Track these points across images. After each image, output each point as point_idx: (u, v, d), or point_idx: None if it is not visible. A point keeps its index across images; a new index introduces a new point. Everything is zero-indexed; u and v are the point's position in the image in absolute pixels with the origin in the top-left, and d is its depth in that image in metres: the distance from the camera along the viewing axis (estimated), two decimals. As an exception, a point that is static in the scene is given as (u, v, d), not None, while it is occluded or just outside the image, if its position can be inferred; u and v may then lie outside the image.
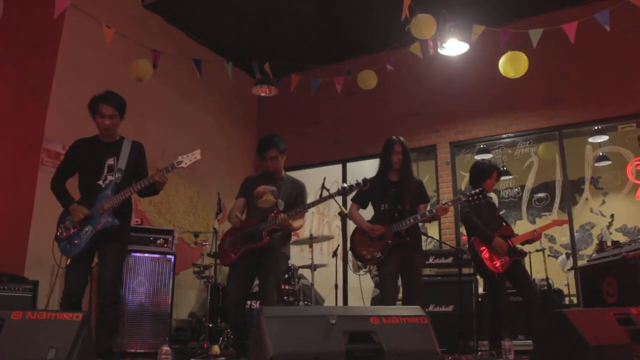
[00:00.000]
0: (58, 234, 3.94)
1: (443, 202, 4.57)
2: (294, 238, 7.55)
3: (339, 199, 7.59)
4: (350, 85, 6.70)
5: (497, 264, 4.75)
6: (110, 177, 3.96)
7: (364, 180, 4.27)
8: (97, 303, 3.91)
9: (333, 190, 4.41)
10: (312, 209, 9.01)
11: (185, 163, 3.97)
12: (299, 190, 4.56)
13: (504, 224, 5.13)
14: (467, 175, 7.97)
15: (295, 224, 4.43)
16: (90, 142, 4.07)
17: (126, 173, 4.00)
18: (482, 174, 5.09)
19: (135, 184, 3.93)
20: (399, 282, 4.61)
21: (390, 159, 4.65)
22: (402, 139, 4.70)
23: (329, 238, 6.76)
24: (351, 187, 4.27)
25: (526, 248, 5.39)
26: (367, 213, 4.83)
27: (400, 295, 4.63)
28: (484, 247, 4.85)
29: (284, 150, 4.50)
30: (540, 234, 5.12)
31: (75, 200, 3.96)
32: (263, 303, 4.25)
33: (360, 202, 4.80)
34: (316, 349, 2.56)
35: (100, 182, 3.95)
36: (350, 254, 7.16)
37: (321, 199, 4.43)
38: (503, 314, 4.81)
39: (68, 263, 3.93)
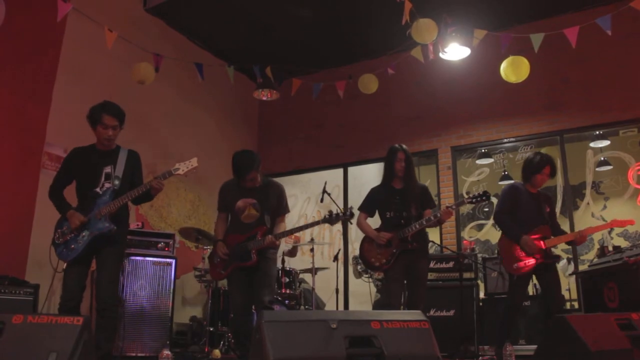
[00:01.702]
0: (55, 238, 3.96)
1: (447, 206, 4.54)
2: (294, 241, 7.57)
3: (340, 202, 7.62)
4: (352, 90, 6.70)
5: (517, 266, 4.61)
6: (107, 185, 3.99)
7: (351, 212, 4.31)
8: (96, 307, 3.92)
9: (334, 194, 4.42)
10: (314, 213, 9.04)
11: (182, 170, 4.01)
12: (279, 193, 4.57)
13: (546, 223, 4.81)
14: (468, 179, 8.06)
15: (281, 227, 4.51)
16: (87, 151, 4.10)
17: (123, 180, 4.03)
18: (532, 168, 4.85)
19: (132, 191, 3.95)
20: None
21: (393, 167, 4.69)
22: (404, 146, 4.72)
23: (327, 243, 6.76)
24: (337, 216, 4.30)
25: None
26: (375, 221, 4.84)
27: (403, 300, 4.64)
28: (507, 248, 4.72)
29: (260, 166, 4.45)
30: (585, 235, 4.76)
31: (73, 207, 3.98)
32: (257, 307, 4.30)
33: (367, 210, 4.85)
34: (317, 354, 2.56)
35: (98, 190, 3.97)
36: (351, 258, 7.19)
37: (308, 225, 4.49)
38: (513, 316, 4.71)
39: (65, 267, 3.94)
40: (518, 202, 4.81)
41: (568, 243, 4.93)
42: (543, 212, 4.85)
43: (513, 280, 4.73)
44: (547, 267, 4.69)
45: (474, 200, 4.51)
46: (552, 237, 4.77)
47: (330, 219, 4.32)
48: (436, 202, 7.88)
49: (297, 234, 8.92)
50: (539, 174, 4.82)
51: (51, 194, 4.06)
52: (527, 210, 4.80)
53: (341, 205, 6.87)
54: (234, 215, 4.51)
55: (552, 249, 4.79)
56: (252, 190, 4.45)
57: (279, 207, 4.54)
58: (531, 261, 4.62)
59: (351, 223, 4.74)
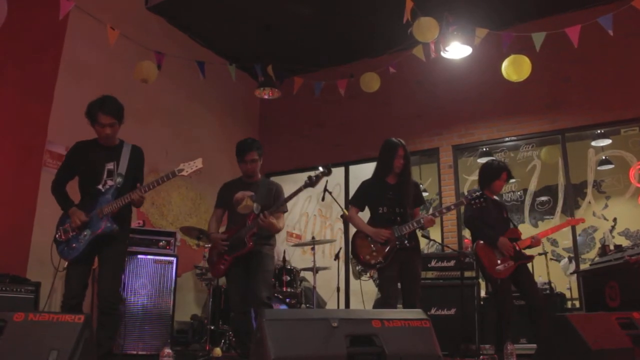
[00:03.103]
0: (57, 236, 3.92)
1: (430, 213, 4.53)
2: (295, 240, 7.58)
3: (341, 200, 7.62)
4: (353, 88, 6.70)
5: (500, 269, 4.66)
6: (110, 182, 3.94)
7: (329, 169, 4.33)
8: (97, 305, 3.91)
9: (335, 192, 4.43)
10: (314, 212, 9.04)
11: (187, 171, 3.97)
12: (276, 191, 4.63)
13: (512, 226, 5.00)
14: (470, 178, 8.05)
15: (280, 223, 4.54)
16: (89, 146, 4.04)
17: (126, 177, 3.98)
18: (491, 174, 4.97)
19: (122, 198, 3.86)
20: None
21: (392, 162, 4.51)
22: (402, 141, 4.57)
23: (330, 241, 6.76)
24: (317, 177, 4.32)
25: (528, 251, 5.30)
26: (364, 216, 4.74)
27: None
28: (486, 252, 4.76)
29: (262, 154, 4.63)
30: (540, 239, 4.94)
31: (75, 204, 3.94)
32: (255, 304, 4.30)
33: (359, 204, 4.66)
34: (318, 352, 2.56)
35: (100, 187, 3.92)
36: (352, 258, 7.13)
37: (294, 193, 4.48)
38: (508, 319, 4.70)
39: (66, 266, 3.93)
40: (486, 208, 4.80)
41: (525, 248, 4.96)
42: (505, 218, 4.99)
43: (497, 285, 4.72)
44: (520, 269, 4.74)
45: (470, 201, 4.46)
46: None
47: (311, 181, 4.32)
48: (437, 201, 7.92)
49: (298, 233, 8.95)
50: (498, 179, 4.95)
51: (53, 189, 4.01)
52: (494, 215, 4.90)
53: (342, 204, 6.86)
54: (231, 213, 4.61)
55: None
56: (251, 185, 4.58)
57: (276, 205, 4.55)
58: (511, 262, 4.68)
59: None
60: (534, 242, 4.90)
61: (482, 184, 5.03)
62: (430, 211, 4.72)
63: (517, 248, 4.76)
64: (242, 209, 4.46)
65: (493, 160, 5.18)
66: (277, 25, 7.67)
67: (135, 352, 5.31)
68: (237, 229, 4.44)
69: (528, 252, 4.88)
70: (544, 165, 7.82)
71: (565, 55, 6.91)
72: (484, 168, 5.11)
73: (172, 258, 5.78)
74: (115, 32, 5.36)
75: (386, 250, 4.37)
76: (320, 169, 4.33)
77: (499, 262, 4.70)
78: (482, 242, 4.83)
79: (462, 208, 7.68)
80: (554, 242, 7.84)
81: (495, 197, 5.11)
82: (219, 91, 8.32)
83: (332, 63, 8.59)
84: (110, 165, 3.98)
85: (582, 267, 6.63)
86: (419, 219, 4.41)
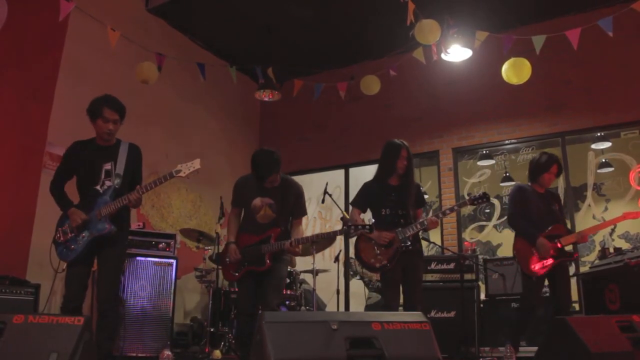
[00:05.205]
0: (56, 237, 3.91)
1: (435, 214, 4.47)
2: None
3: (341, 203, 7.62)
4: (354, 91, 6.71)
5: (537, 267, 4.55)
6: (108, 183, 3.92)
7: (371, 225, 4.22)
8: (96, 307, 3.90)
9: (335, 194, 4.37)
10: (314, 214, 9.02)
11: (184, 172, 3.92)
12: (297, 193, 4.45)
13: (558, 221, 4.78)
14: (470, 180, 8.05)
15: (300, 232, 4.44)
16: (87, 146, 4.03)
17: (125, 178, 3.96)
18: (539, 167, 4.82)
19: (121, 198, 3.85)
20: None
21: (395, 164, 4.46)
22: (406, 143, 4.52)
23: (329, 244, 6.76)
24: (356, 229, 4.21)
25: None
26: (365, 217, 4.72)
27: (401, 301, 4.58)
28: (525, 249, 4.65)
29: (280, 165, 4.34)
30: (586, 235, 4.75)
31: (74, 204, 3.93)
32: (265, 308, 4.24)
33: (361, 206, 4.62)
34: (317, 355, 2.56)
35: (98, 187, 3.91)
36: (352, 260, 7.11)
37: (328, 234, 4.44)
38: (528, 317, 4.63)
39: (65, 267, 3.91)
40: (527, 203, 4.75)
41: (571, 244, 4.86)
42: (553, 211, 4.82)
43: (531, 282, 4.62)
44: (559, 267, 4.62)
45: (475, 201, 4.44)
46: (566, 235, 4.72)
47: (349, 230, 4.24)
48: (437, 204, 7.92)
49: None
50: (547, 172, 4.79)
51: (52, 189, 4.00)
52: (538, 210, 4.76)
53: (342, 206, 6.86)
54: (248, 213, 4.39)
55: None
56: (270, 189, 4.33)
57: (297, 208, 4.44)
58: (549, 261, 4.56)
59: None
60: (579, 238, 4.72)
61: (531, 177, 4.90)
62: (431, 213, 4.66)
63: (559, 245, 4.62)
64: (261, 218, 4.25)
65: (543, 153, 5.05)
66: (278, 27, 7.68)
67: (134, 354, 5.31)
68: (258, 239, 4.29)
69: None
70: (544, 168, 7.80)
71: (566, 58, 6.91)
72: (533, 161, 4.96)
73: (172, 260, 5.78)
74: (115, 34, 5.37)
75: (390, 253, 4.33)
76: (366, 225, 4.21)
77: (537, 260, 4.58)
78: (521, 238, 4.73)
79: (463, 209, 7.73)
80: (554, 245, 7.81)
81: (546, 189, 4.93)
82: (219, 93, 8.33)
83: (332, 65, 8.59)
84: (107, 166, 3.96)
85: (582, 270, 6.62)
86: (422, 221, 4.36)
